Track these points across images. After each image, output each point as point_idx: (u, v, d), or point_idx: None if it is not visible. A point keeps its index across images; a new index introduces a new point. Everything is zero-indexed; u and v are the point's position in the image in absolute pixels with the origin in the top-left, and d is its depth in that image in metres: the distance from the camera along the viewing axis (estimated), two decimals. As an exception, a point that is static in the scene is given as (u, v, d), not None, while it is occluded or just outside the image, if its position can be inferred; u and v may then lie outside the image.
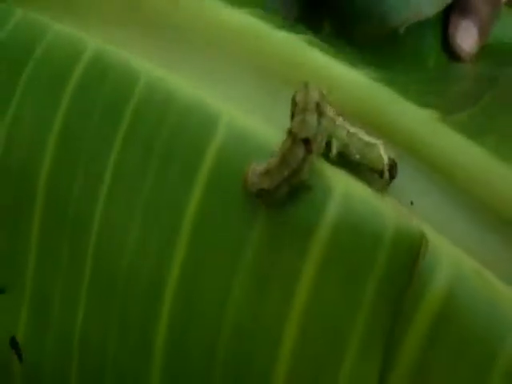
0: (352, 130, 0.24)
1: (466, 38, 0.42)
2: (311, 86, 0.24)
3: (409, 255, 0.22)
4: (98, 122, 0.27)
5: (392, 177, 0.24)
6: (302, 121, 0.23)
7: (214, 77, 0.27)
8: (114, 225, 0.26)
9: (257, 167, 0.23)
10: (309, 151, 0.23)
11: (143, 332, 0.25)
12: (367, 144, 0.24)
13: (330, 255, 0.22)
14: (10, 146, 0.28)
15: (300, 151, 0.23)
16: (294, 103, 0.23)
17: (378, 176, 0.24)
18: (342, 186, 0.23)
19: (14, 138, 0.28)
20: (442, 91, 0.32)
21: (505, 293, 0.22)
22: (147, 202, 0.25)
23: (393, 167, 0.24)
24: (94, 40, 0.28)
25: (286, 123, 0.23)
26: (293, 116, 0.23)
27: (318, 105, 0.23)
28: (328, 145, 0.24)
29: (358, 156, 0.24)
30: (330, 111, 0.24)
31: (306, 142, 0.23)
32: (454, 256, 0.22)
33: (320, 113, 0.23)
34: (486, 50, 0.43)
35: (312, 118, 0.23)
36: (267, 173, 0.23)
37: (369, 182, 0.24)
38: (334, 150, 0.24)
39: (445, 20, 0.43)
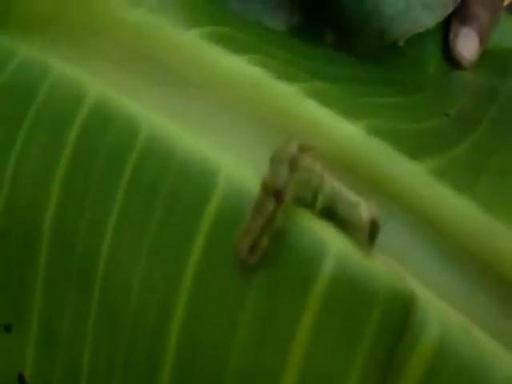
0: (336, 186, 0.24)
1: (467, 45, 0.42)
2: (291, 138, 0.24)
3: (400, 312, 0.23)
4: (101, 167, 0.27)
5: (372, 238, 0.24)
6: (274, 173, 0.23)
7: (213, 125, 0.27)
8: (120, 266, 0.26)
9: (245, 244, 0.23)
10: (279, 201, 0.23)
11: (149, 369, 0.26)
12: (349, 203, 0.24)
13: (326, 310, 0.23)
14: (16, 186, 0.29)
15: (271, 202, 0.23)
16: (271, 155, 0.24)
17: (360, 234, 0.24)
18: (336, 243, 0.24)
19: (19, 179, 0.29)
20: (436, 128, 0.32)
21: (490, 347, 0.23)
22: (152, 244, 0.26)
23: (374, 229, 0.24)
24: (96, 84, 0.28)
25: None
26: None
27: (292, 157, 0.23)
28: (314, 199, 0.24)
29: (340, 213, 0.24)
30: (313, 164, 0.24)
31: (278, 193, 0.23)
32: (442, 312, 0.23)
33: (293, 166, 0.23)
34: (486, 56, 0.43)
35: (283, 171, 0.23)
36: (246, 231, 0.23)
37: (354, 239, 0.24)
38: (319, 205, 0.24)
39: (445, 27, 0.43)
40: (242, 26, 0.32)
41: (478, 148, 0.30)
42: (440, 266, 0.25)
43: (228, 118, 0.28)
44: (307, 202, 0.25)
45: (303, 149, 0.24)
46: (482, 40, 0.42)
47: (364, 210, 0.24)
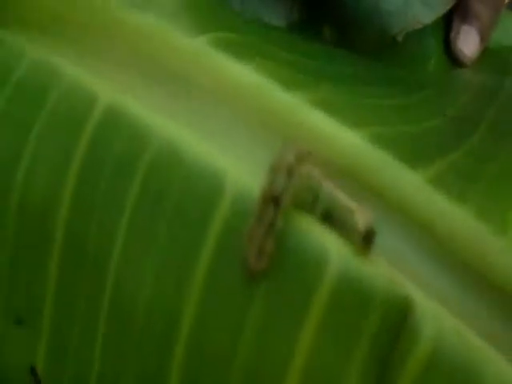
0: (334, 191, 0.25)
1: (467, 43, 0.43)
2: (289, 146, 0.25)
3: (397, 316, 0.24)
4: (112, 173, 0.28)
5: (367, 243, 0.25)
6: (272, 181, 0.25)
7: (220, 133, 0.28)
8: (130, 271, 0.27)
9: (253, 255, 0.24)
10: (278, 207, 0.24)
11: (158, 373, 0.27)
12: (346, 208, 0.25)
13: (328, 314, 0.25)
14: (27, 192, 0.29)
15: (270, 209, 0.24)
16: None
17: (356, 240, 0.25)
18: (337, 249, 0.25)
19: (30, 184, 0.29)
20: (437, 130, 0.33)
21: (482, 350, 0.25)
22: (161, 251, 0.27)
23: (369, 234, 0.25)
24: (106, 89, 0.29)
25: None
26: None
27: (289, 165, 0.25)
28: (314, 204, 0.26)
29: (337, 218, 0.25)
30: (311, 170, 0.25)
31: (276, 199, 0.24)
32: (437, 315, 0.25)
33: (290, 173, 0.24)
34: (486, 54, 0.44)
35: (281, 178, 0.24)
36: (250, 238, 0.24)
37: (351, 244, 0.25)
38: (319, 210, 0.25)
39: (446, 24, 0.44)
40: (248, 28, 0.33)
41: (475, 153, 0.31)
42: (435, 272, 0.26)
43: (235, 126, 0.29)
44: (308, 207, 0.26)
45: (301, 156, 0.25)
46: (483, 38, 0.43)
47: (359, 215, 0.25)
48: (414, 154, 0.28)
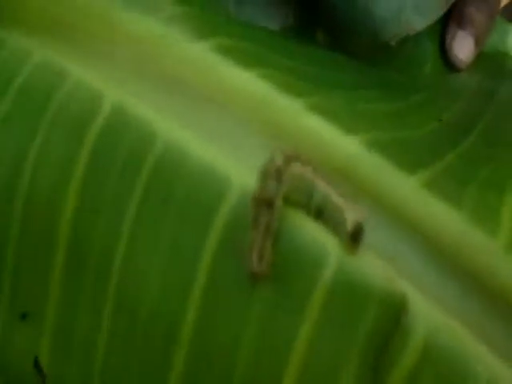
0: (326, 190, 0.27)
1: (463, 48, 0.44)
2: (277, 151, 0.26)
3: (392, 313, 0.26)
4: (118, 173, 0.29)
5: (356, 240, 0.26)
6: (262, 186, 0.26)
7: (222, 136, 0.29)
8: (135, 270, 0.29)
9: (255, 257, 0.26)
10: (272, 210, 0.26)
11: (162, 367, 0.28)
12: (336, 206, 0.26)
13: (326, 311, 0.26)
14: (33, 191, 0.30)
15: (265, 213, 0.26)
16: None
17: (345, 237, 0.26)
18: (334, 248, 0.26)
19: (36, 184, 0.30)
20: (432, 134, 0.34)
21: (474, 347, 0.26)
22: (166, 250, 0.28)
23: (358, 232, 0.26)
24: (112, 90, 0.30)
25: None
26: None
27: (277, 169, 0.26)
28: (309, 202, 0.27)
29: (329, 216, 0.27)
30: (301, 171, 0.26)
31: (269, 203, 0.26)
32: (430, 313, 0.26)
33: (279, 176, 0.26)
34: (482, 58, 0.45)
35: (271, 182, 0.26)
36: (251, 244, 0.26)
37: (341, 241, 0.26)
38: (314, 209, 0.27)
39: (442, 29, 0.45)
40: (247, 35, 0.34)
41: (468, 158, 0.32)
42: (429, 272, 0.28)
43: (237, 130, 0.30)
44: (302, 205, 0.27)
45: (289, 158, 0.26)
46: (478, 43, 0.44)
47: (349, 213, 0.26)
48: (409, 159, 0.30)
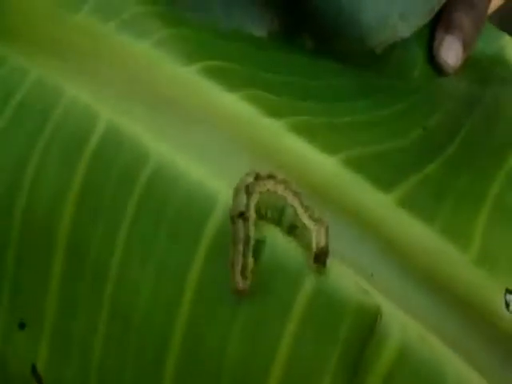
0: (297, 210, 0.28)
1: (451, 52, 0.45)
2: (250, 170, 0.29)
3: (367, 322, 0.28)
4: (112, 190, 0.31)
5: (319, 261, 0.28)
6: (235, 201, 0.28)
7: (210, 155, 0.31)
8: (128, 281, 0.30)
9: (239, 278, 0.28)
10: (246, 220, 0.28)
11: (154, 372, 0.30)
12: (304, 226, 0.28)
13: (307, 320, 0.28)
14: (32, 205, 0.32)
15: (240, 225, 0.28)
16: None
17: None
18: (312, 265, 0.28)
19: (35, 198, 0.32)
20: (412, 145, 0.36)
21: (444, 353, 0.28)
22: (158, 262, 0.30)
23: (321, 255, 0.28)
24: (106, 109, 0.32)
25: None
26: None
27: (248, 185, 0.28)
28: (280, 220, 0.29)
29: (299, 235, 0.29)
30: (273, 187, 0.29)
31: (242, 214, 0.28)
32: (403, 322, 0.28)
33: (249, 191, 0.28)
34: (469, 63, 0.46)
35: (241, 197, 0.28)
36: (232, 262, 0.28)
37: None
38: (285, 226, 0.29)
39: (430, 34, 0.46)
40: (234, 53, 0.36)
41: (449, 167, 0.34)
42: (403, 285, 0.30)
43: (224, 149, 0.32)
44: (276, 222, 0.29)
45: (260, 177, 0.29)
46: (466, 48, 0.45)
47: (315, 236, 0.28)
48: (386, 175, 0.32)
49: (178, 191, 0.30)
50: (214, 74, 0.33)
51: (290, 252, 0.28)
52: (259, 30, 0.40)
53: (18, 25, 0.36)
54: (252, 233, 0.28)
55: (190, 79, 0.33)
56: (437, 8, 0.42)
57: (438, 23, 0.46)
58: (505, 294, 0.29)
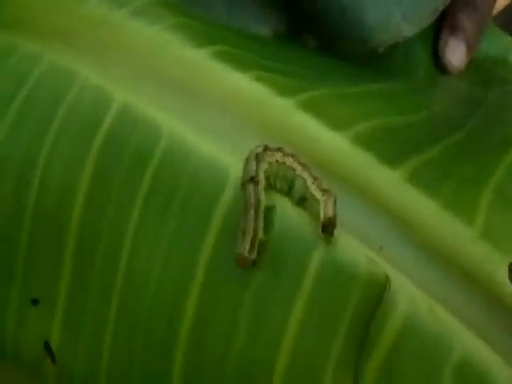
0: (307, 182, 0.30)
1: (456, 54, 0.46)
2: (260, 144, 0.31)
3: (376, 291, 0.29)
4: (125, 170, 0.32)
5: (327, 232, 0.29)
6: (245, 168, 0.30)
7: (222, 134, 0.33)
8: (140, 258, 0.32)
9: (245, 247, 0.29)
10: (256, 183, 0.29)
11: (164, 357, 0.31)
12: (313, 198, 0.30)
13: (317, 291, 0.29)
14: (44, 185, 0.33)
15: (250, 188, 0.29)
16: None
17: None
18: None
19: (47, 180, 0.33)
20: (419, 123, 0.37)
21: (451, 324, 0.29)
22: (169, 241, 0.31)
23: (329, 226, 0.29)
24: (119, 91, 0.33)
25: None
26: None
27: (257, 153, 0.30)
28: (290, 192, 0.31)
29: (309, 207, 0.30)
30: (281, 159, 0.30)
31: (252, 178, 0.29)
32: (410, 292, 0.29)
33: (258, 158, 0.30)
34: (473, 64, 0.47)
35: (251, 163, 0.30)
36: (243, 229, 0.29)
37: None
38: (295, 198, 0.30)
39: (435, 35, 0.47)
40: (243, 43, 0.37)
41: (452, 154, 0.36)
42: (410, 256, 0.31)
43: (235, 128, 0.33)
44: (286, 193, 0.31)
45: (269, 149, 0.30)
46: (470, 49, 0.47)
47: (323, 207, 0.29)
48: (393, 151, 0.33)
49: (190, 168, 0.31)
50: (224, 58, 0.35)
51: (300, 223, 0.30)
52: (262, 31, 0.41)
53: (29, 13, 0.38)
54: (262, 197, 0.29)
55: (201, 61, 0.34)
56: (441, 8, 0.44)
57: (443, 24, 0.47)
58: (509, 268, 0.30)
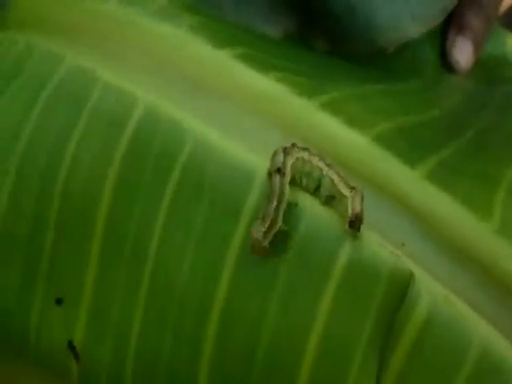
0: (334, 180, 0.31)
1: (463, 53, 0.47)
2: (288, 142, 0.32)
3: (400, 287, 0.30)
4: (151, 169, 0.33)
5: (354, 227, 0.30)
6: (273, 160, 0.31)
7: (245, 133, 0.34)
8: (170, 252, 0.32)
9: (260, 229, 0.30)
10: (282, 175, 0.31)
11: (193, 344, 0.32)
12: (340, 194, 0.31)
13: (344, 286, 0.30)
14: (70, 185, 0.34)
15: (276, 179, 0.31)
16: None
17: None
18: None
19: (73, 177, 0.34)
20: (433, 122, 0.39)
21: (470, 316, 0.31)
22: (199, 234, 0.32)
23: (356, 221, 0.30)
24: (142, 92, 0.34)
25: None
26: None
27: (285, 148, 0.31)
28: (318, 189, 0.32)
29: (336, 204, 0.31)
30: (308, 157, 0.32)
31: (279, 169, 0.31)
32: (432, 287, 0.31)
33: (286, 152, 0.31)
34: (479, 63, 0.48)
35: (279, 156, 0.31)
36: (263, 215, 0.30)
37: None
38: (321, 197, 0.31)
39: (442, 35, 0.48)
40: (260, 45, 0.39)
41: (464, 152, 0.37)
42: (431, 252, 0.32)
43: (257, 127, 0.34)
44: (313, 191, 0.32)
45: (297, 146, 0.32)
46: (477, 49, 0.48)
47: (350, 203, 0.31)
48: (411, 149, 0.34)
49: (216, 168, 0.32)
50: (244, 58, 0.36)
51: (327, 221, 0.31)
52: (271, 31, 0.42)
53: (49, 14, 0.39)
54: (287, 191, 0.30)
55: (222, 61, 0.35)
56: (450, 7, 0.44)
57: (450, 24, 0.48)
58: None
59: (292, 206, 0.31)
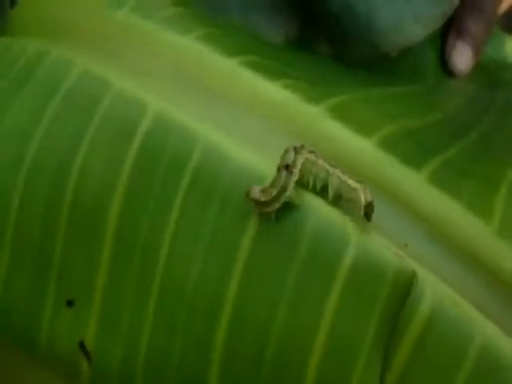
0: (342, 175, 0.33)
1: (462, 58, 0.49)
2: (299, 144, 0.33)
3: (404, 286, 0.31)
4: (161, 175, 0.34)
5: (368, 215, 0.32)
6: (284, 156, 0.33)
7: (255, 139, 0.35)
8: (179, 257, 0.34)
9: (257, 188, 0.32)
10: (290, 173, 0.32)
11: (202, 348, 0.33)
12: (350, 187, 0.32)
13: (349, 286, 0.32)
14: (81, 190, 0.35)
15: (283, 175, 0.32)
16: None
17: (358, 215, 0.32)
18: (355, 233, 0.32)
19: (83, 184, 0.35)
20: (437, 124, 0.40)
21: (473, 316, 0.32)
22: (207, 243, 0.33)
23: (369, 208, 0.32)
24: (153, 97, 0.35)
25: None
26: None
27: (296, 146, 0.33)
28: (324, 190, 0.33)
29: (345, 198, 0.33)
30: (315, 157, 0.33)
31: (288, 167, 0.32)
32: (435, 286, 0.32)
33: (297, 151, 0.33)
34: (480, 66, 0.50)
35: (290, 153, 0.32)
36: (263, 191, 0.32)
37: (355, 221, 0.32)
38: (330, 195, 0.33)
39: (442, 39, 0.49)
40: (267, 53, 0.40)
41: (467, 154, 0.38)
42: (434, 253, 0.33)
43: (267, 134, 0.36)
44: (320, 191, 0.33)
45: (305, 147, 0.33)
46: (476, 53, 0.49)
47: (362, 192, 0.32)
48: (415, 153, 0.36)
49: (226, 175, 0.33)
50: (253, 66, 0.37)
51: (333, 223, 0.32)
52: (273, 35, 0.44)
53: (60, 20, 0.40)
54: (291, 187, 0.32)
55: (231, 68, 0.37)
56: (449, 12, 0.46)
57: (450, 28, 0.49)
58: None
59: (298, 208, 0.32)
